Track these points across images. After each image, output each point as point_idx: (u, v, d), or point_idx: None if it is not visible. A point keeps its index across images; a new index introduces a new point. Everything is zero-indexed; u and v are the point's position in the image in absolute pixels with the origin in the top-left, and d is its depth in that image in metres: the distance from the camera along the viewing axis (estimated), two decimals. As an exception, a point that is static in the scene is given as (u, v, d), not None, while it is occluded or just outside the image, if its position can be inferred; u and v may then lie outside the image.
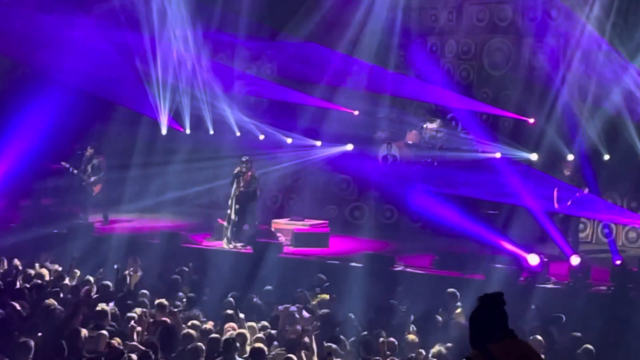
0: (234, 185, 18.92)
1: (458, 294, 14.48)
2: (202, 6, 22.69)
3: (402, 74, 22.92)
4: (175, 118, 22.98)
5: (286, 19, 23.21)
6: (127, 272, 15.36)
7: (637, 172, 19.70)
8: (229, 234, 18.82)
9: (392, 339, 11.56)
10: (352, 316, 13.13)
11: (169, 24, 22.22)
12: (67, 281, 14.99)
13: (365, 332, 12.13)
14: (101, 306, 12.40)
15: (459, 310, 13.80)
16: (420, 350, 11.46)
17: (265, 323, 12.70)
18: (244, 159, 19.09)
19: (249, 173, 18.98)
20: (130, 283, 15.15)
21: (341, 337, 11.81)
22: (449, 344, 11.38)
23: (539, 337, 11.85)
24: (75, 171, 21.23)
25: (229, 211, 18.92)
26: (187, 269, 16.39)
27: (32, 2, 21.37)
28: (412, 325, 13.00)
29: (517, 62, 21.85)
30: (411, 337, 12.03)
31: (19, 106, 21.59)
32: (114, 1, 22.20)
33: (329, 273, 16.32)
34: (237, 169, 19.00)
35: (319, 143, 22.25)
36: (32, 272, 15.09)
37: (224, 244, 18.76)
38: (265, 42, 23.61)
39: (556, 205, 17.88)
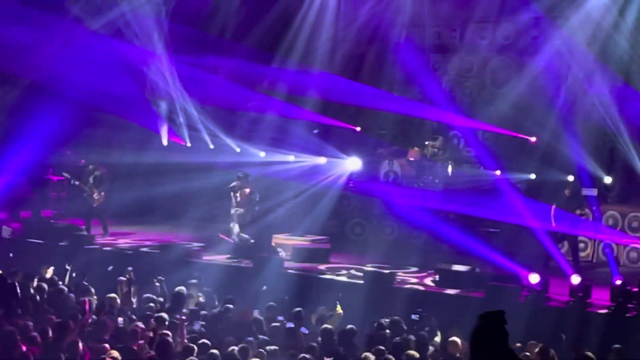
0: (232, 200, 19.00)
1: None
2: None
3: (405, 92, 22.97)
4: (175, 131, 23.03)
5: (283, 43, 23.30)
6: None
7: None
8: (234, 248, 18.93)
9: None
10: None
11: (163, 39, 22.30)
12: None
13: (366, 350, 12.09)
14: None
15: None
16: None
17: (266, 338, 12.67)
18: (240, 175, 19.14)
19: (247, 189, 19.02)
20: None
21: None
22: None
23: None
24: (76, 182, 21.24)
25: (230, 225, 19.02)
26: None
27: (30, 15, 21.38)
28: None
29: (519, 81, 21.89)
30: (411, 352, 11.98)
31: (20, 118, 21.62)
32: (112, 14, 22.22)
33: (329, 289, 16.31)
34: (233, 183, 19.10)
35: (323, 160, 22.16)
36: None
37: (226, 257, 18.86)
38: (262, 65, 23.58)
39: (553, 224, 17.88)
